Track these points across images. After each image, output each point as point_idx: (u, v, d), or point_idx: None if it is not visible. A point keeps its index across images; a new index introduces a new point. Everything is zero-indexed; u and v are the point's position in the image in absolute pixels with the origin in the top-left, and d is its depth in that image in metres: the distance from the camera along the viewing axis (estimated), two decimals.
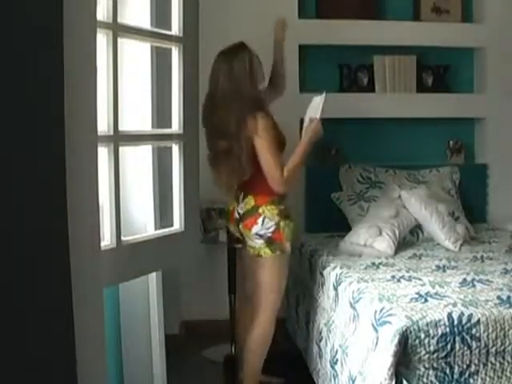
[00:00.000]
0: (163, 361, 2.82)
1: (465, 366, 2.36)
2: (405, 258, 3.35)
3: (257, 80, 2.93)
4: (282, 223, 2.91)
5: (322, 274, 3.25)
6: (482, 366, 2.36)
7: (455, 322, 2.35)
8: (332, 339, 2.93)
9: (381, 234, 3.48)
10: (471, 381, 2.36)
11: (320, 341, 3.11)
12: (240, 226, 2.95)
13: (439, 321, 2.36)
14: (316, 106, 3.02)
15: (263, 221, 2.89)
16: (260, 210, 2.90)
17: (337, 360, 2.82)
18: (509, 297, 2.55)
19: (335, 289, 3.00)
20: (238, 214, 2.95)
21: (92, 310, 1.79)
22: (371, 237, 3.48)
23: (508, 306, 2.45)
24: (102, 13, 2.20)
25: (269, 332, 3.04)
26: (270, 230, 2.89)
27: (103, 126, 2.21)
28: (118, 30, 2.27)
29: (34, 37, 1.45)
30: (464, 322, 2.36)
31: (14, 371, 1.42)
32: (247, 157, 2.83)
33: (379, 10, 4.21)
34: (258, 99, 2.90)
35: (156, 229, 2.68)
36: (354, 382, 2.59)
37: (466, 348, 2.34)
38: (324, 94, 3.00)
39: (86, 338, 1.67)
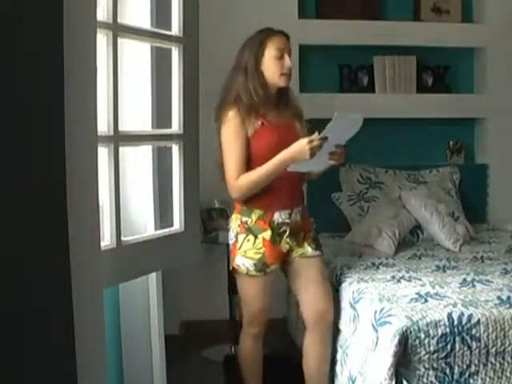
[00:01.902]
0: (163, 361, 2.82)
1: (465, 367, 2.36)
2: (405, 258, 3.35)
3: (248, 75, 2.64)
4: (240, 236, 2.69)
5: None
6: (482, 366, 2.36)
7: (455, 323, 2.36)
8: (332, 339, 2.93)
9: (381, 234, 3.49)
10: (471, 381, 2.36)
11: None
12: None
13: (439, 321, 2.36)
14: (342, 127, 2.50)
15: (229, 230, 2.78)
16: (231, 218, 2.79)
17: (337, 360, 2.82)
18: (509, 297, 2.55)
19: (335, 289, 3.00)
20: None
21: (92, 310, 1.78)
22: (371, 237, 3.49)
23: (508, 306, 2.46)
24: (102, 13, 2.20)
25: (242, 349, 2.88)
26: (231, 241, 2.75)
27: (103, 126, 2.21)
28: (118, 30, 2.27)
29: (34, 37, 1.45)
30: (464, 322, 2.36)
31: (14, 371, 1.42)
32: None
33: (379, 10, 4.22)
34: (241, 94, 2.63)
35: (156, 229, 2.68)
36: (354, 382, 2.59)
37: (465, 348, 2.35)
38: (359, 117, 2.52)
39: (86, 338, 1.66)
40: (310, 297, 2.76)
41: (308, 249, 2.77)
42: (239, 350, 2.93)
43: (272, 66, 2.63)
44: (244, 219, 2.69)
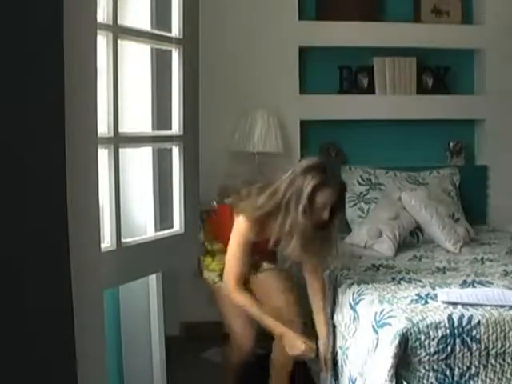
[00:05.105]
0: (163, 362, 2.82)
1: (465, 368, 2.36)
2: (405, 259, 3.35)
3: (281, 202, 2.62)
4: (201, 258, 2.98)
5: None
6: (482, 367, 2.36)
7: (455, 324, 2.35)
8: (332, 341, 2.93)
9: (381, 235, 3.48)
10: (471, 382, 2.36)
11: None
12: None
13: (439, 322, 2.36)
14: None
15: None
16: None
17: (337, 361, 2.82)
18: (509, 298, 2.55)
19: (335, 290, 3.00)
20: None
21: (92, 310, 1.78)
22: (371, 238, 3.49)
23: (508, 307, 2.45)
24: (102, 15, 2.20)
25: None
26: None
27: (103, 127, 2.21)
28: (118, 31, 2.27)
29: (33, 38, 1.46)
30: (464, 323, 2.36)
31: (13, 371, 1.42)
32: None
33: (379, 12, 4.22)
34: (264, 212, 2.65)
35: (156, 230, 2.68)
36: (354, 383, 2.59)
37: (466, 350, 2.34)
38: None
39: (86, 338, 1.66)
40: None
41: (263, 264, 2.95)
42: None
43: (314, 211, 2.60)
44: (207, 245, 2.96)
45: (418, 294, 2.64)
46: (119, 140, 2.32)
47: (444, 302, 2.50)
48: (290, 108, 4.05)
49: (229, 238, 2.77)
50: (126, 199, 2.58)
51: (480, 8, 4.26)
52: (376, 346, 2.41)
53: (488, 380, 2.36)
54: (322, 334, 2.80)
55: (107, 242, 2.28)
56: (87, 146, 1.82)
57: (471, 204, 4.17)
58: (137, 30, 2.46)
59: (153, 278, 2.76)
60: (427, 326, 2.34)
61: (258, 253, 2.82)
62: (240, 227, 2.70)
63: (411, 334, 2.32)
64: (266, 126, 3.82)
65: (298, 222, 2.57)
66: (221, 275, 2.84)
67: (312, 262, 2.79)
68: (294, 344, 2.68)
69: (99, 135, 1.97)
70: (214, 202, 3.84)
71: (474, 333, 2.35)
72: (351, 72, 4.21)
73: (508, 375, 2.37)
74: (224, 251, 2.83)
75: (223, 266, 2.82)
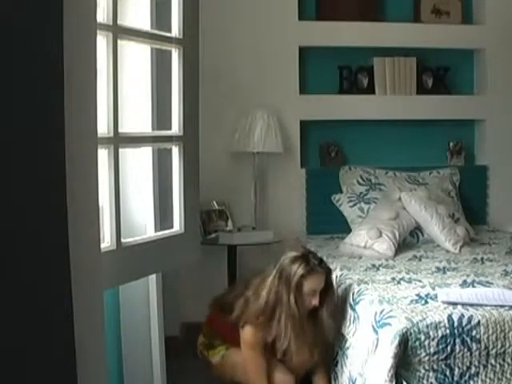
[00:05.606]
0: (163, 362, 2.82)
1: (465, 368, 2.36)
2: (405, 259, 3.35)
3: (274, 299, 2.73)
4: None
5: None
6: (482, 367, 2.36)
7: (455, 324, 2.36)
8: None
9: (381, 235, 3.48)
10: (471, 383, 2.36)
11: None
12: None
13: (439, 322, 2.36)
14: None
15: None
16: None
17: (337, 362, 2.82)
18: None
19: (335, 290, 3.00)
20: None
21: (92, 311, 1.78)
22: (371, 238, 3.48)
23: (508, 307, 2.45)
24: (102, 15, 2.20)
25: None
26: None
27: (103, 127, 2.21)
28: (118, 32, 2.27)
29: (34, 37, 1.46)
30: (464, 323, 2.36)
31: (14, 371, 1.42)
32: None
33: (379, 12, 4.22)
34: (262, 313, 2.74)
35: (156, 230, 2.68)
36: (354, 383, 2.59)
37: (466, 350, 2.35)
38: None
39: (86, 338, 1.66)
40: None
41: None
42: None
43: (303, 300, 2.72)
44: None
45: (417, 294, 2.64)
46: (119, 140, 2.32)
47: (444, 302, 2.50)
48: (290, 108, 4.05)
49: (228, 337, 2.92)
50: (125, 199, 2.58)
51: (480, 8, 4.26)
52: (376, 346, 2.41)
53: (488, 380, 2.36)
54: None
55: (107, 241, 2.28)
56: (87, 146, 1.81)
57: (471, 204, 4.17)
58: (137, 30, 2.46)
59: (153, 278, 2.76)
60: (427, 326, 2.34)
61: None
62: (247, 337, 2.80)
63: (411, 334, 2.32)
64: (266, 126, 3.82)
65: (291, 313, 2.68)
66: (227, 348, 2.93)
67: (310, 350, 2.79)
68: None
69: (99, 135, 1.97)
70: (214, 202, 3.86)
71: (473, 333, 2.35)
72: (351, 72, 4.21)
73: (508, 375, 2.37)
74: (223, 342, 2.97)
75: (225, 346, 2.95)
